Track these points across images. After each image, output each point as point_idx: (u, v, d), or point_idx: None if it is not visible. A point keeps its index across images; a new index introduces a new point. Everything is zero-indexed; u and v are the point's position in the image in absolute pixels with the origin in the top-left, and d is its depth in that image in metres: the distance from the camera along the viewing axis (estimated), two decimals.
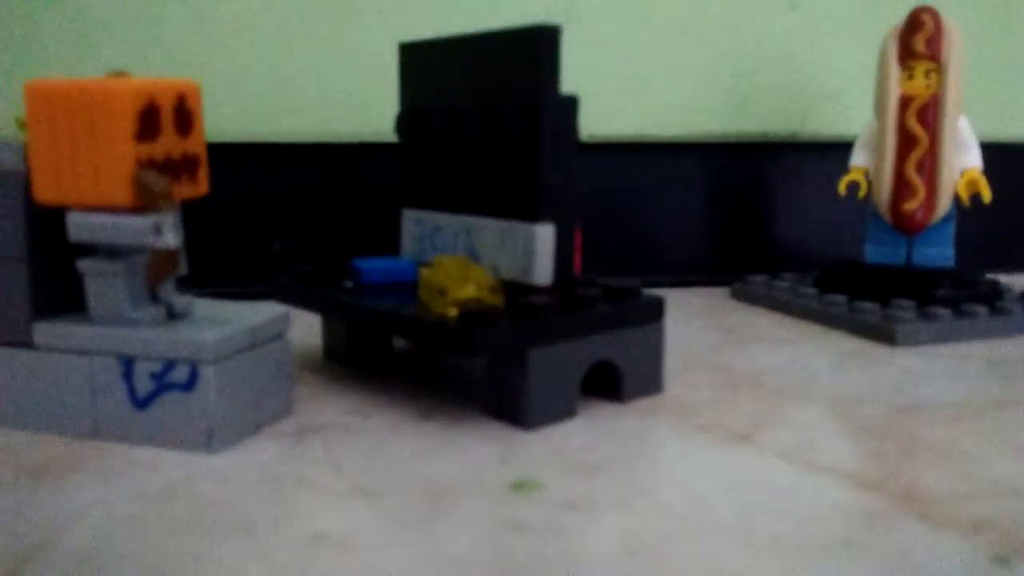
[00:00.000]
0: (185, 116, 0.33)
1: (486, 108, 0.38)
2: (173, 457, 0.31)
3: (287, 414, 0.36)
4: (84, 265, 0.33)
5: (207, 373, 0.32)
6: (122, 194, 0.31)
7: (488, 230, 0.40)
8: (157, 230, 0.31)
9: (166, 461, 0.31)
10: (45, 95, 0.31)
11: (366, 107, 0.60)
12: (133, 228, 0.31)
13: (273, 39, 0.59)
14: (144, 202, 0.31)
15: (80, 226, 0.32)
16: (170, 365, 0.32)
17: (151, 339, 0.32)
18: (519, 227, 0.38)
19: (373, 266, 0.41)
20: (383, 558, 0.25)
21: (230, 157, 0.58)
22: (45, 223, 0.33)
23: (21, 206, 0.33)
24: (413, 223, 0.44)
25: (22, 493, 0.28)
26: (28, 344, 0.33)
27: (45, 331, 0.33)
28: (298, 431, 0.34)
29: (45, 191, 0.32)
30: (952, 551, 0.25)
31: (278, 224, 0.61)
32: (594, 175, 0.63)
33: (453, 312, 0.34)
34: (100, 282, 0.33)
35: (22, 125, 0.33)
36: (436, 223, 0.43)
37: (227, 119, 0.58)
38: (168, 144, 0.32)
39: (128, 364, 0.32)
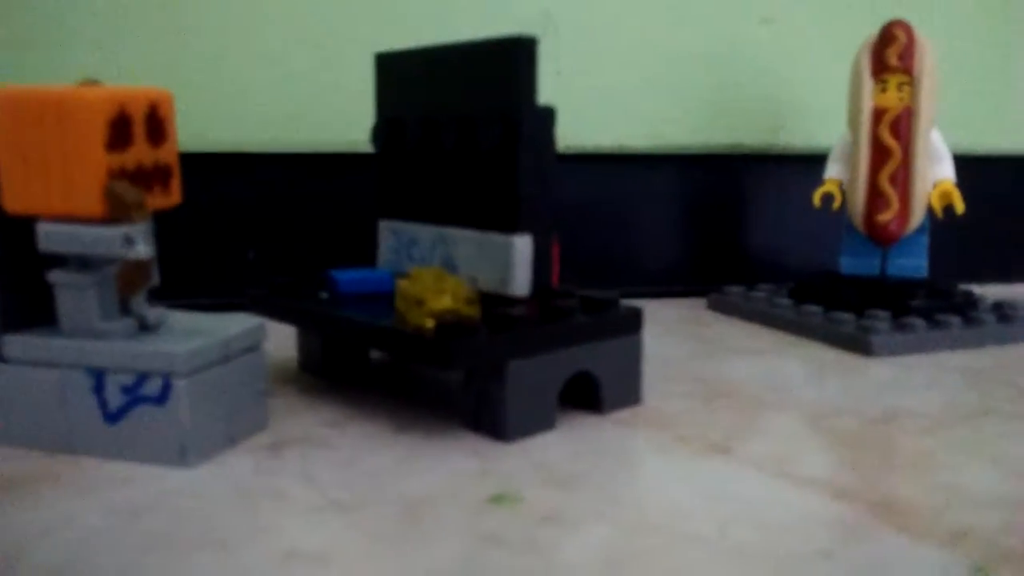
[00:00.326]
0: (157, 125, 0.32)
1: (463, 119, 0.38)
2: (146, 471, 0.31)
3: (262, 427, 0.36)
4: (55, 276, 0.32)
5: (180, 386, 0.31)
6: (93, 204, 0.30)
7: (465, 241, 0.39)
8: (129, 241, 0.30)
9: (139, 475, 0.31)
10: (15, 102, 0.31)
11: (341, 117, 0.59)
12: (104, 239, 0.30)
13: (248, 50, 0.59)
14: (115, 213, 0.30)
15: (50, 236, 0.31)
16: (142, 378, 0.31)
17: (122, 352, 0.31)
18: (497, 238, 0.38)
19: (349, 277, 0.40)
20: (359, 573, 0.24)
21: (204, 167, 0.58)
22: (13, 234, 0.32)
23: None
24: (389, 234, 0.44)
25: None
26: None
27: (15, 344, 0.33)
28: (273, 444, 0.34)
29: (15, 201, 0.31)
30: (931, 562, 0.25)
31: (252, 235, 0.61)
32: (571, 186, 0.63)
33: (430, 323, 0.34)
34: (71, 294, 0.32)
35: None
36: (413, 234, 0.42)
37: (201, 128, 0.58)
38: (140, 153, 0.32)
39: (99, 377, 0.32)
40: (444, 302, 0.35)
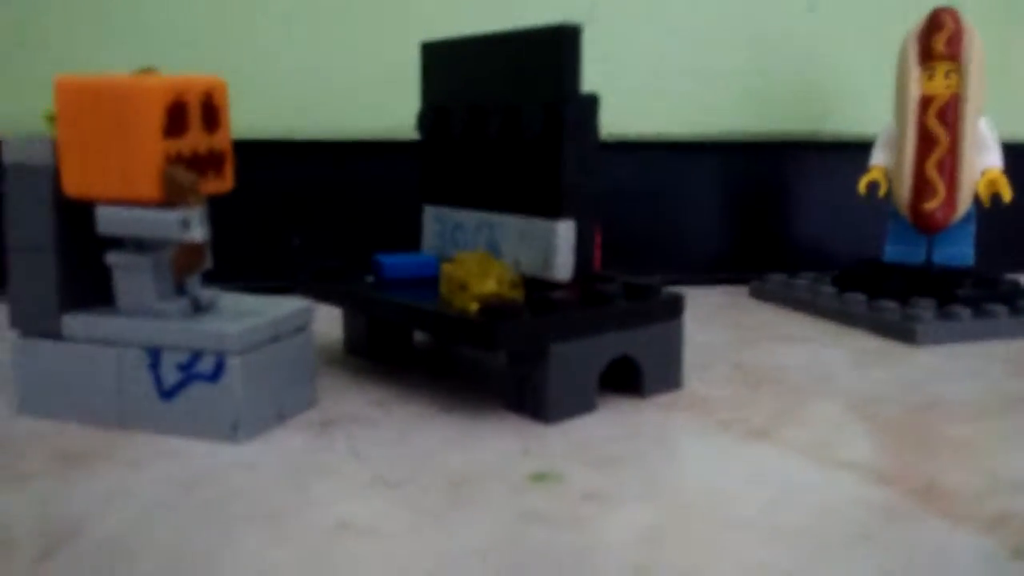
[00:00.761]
0: (212, 113, 0.33)
1: (507, 107, 0.39)
2: (198, 447, 0.32)
3: (310, 405, 0.36)
4: (113, 258, 0.33)
5: (233, 364, 0.32)
6: (150, 189, 0.31)
7: (509, 226, 0.40)
8: (185, 224, 0.31)
9: (192, 450, 0.32)
10: (75, 91, 0.32)
11: (386, 105, 0.60)
12: (161, 222, 0.31)
13: (294, 38, 0.59)
14: (172, 197, 0.31)
15: (109, 220, 0.32)
16: (196, 356, 0.32)
17: (178, 331, 0.33)
18: (540, 224, 0.38)
19: (395, 261, 0.41)
20: (406, 546, 0.25)
21: (250, 153, 0.59)
22: (73, 217, 0.34)
23: (50, 200, 0.33)
24: (434, 219, 0.45)
25: (53, 480, 0.29)
26: (57, 335, 0.34)
27: (73, 322, 0.34)
28: (321, 422, 0.35)
29: (74, 185, 0.32)
30: (971, 546, 0.25)
31: (297, 220, 0.62)
32: (614, 174, 0.64)
33: (474, 307, 0.35)
34: (128, 275, 0.33)
35: (51, 120, 0.34)
36: (457, 219, 0.43)
37: (247, 116, 0.59)
38: (195, 140, 0.33)
39: (155, 355, 0.33)
40: (488, 286, 0.35)
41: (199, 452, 0.32)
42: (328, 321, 0.47)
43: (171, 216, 0.31)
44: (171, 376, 0.33)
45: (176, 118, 0.31)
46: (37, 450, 0.32)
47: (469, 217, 0.42)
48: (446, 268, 0.37)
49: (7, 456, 0.31)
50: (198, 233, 0.32)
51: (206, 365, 0.32)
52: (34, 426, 0.34)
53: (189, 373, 0.32)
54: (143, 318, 0.33)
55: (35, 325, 0.34)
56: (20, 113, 0.57)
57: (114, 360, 0.33)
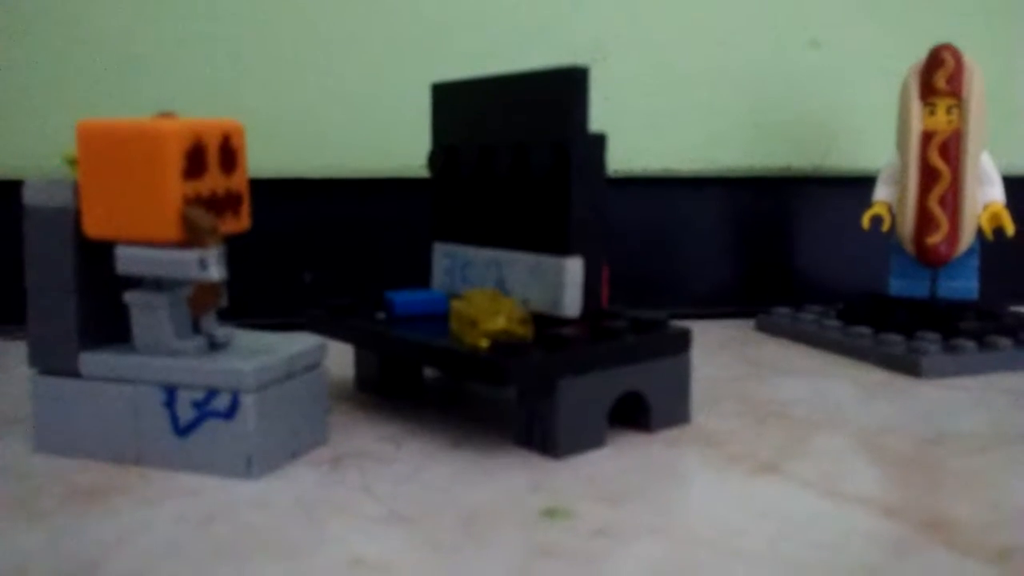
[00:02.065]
0: (230, 154, 0.34)
1: (516, 146, 0.40)
2: (213, 484, 0.32)
3: (323, 442, 0.37)
4: (131, 297, 0.34)
5: (247, 401, 0.33)
6: (170, 230, 0.32)
7: (518, 263, 0.41)
8: (203, 264, 0.32)
9: (206, 487, 0.32)
10: (96, 135, 0.33)
11: (396, 144, 0.61)
12: (180, 262, 0.32)
13: (306, 77, 0.61)
14: (191, 238, 0.32)
15: (128, 259, 0.33)
16: (212, 394, 0.33)
17: (193, 368, 0.33)
18: (549, 260, 0.39)
19: (406, 298, 0.42)
20: None
21: (262, 191, 0.59)
22: (92, 257, 0.34)
23: (71, 241, 0.34)
24: (444, 256, 0.45)
25: (70, 516, 0.29)
26: (75, 373, 0.35)
27: (91, 361, 0.34)
28: (333, 459, 0.35)
29: (95, 226, 0.33)
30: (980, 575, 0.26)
31: (309, 257, 0.62)
32: (620, 210, 0.64)
33: (485, 343, 0.35)
34: (145, 313, 0.34)
35: (71, 162, 0.34)
36: (467, 257, 0.44)
37: (260, 155, 0.60)
38: (213, 181, 0.33)
39: (171, 393, 0.33)
40: (498, 323, 0.36)
41: (214, 489, 0.32)
42: (338, 357, 0.47)
43: (189, 256, 0.32)
44: (187, 413, 0.33)
45: (195, 160, 0.32)
46: (53, 487, 0.32)
47: (478, 254, 0.43)
48: (456, 305, 0.37)
49: (23, 493, 0.32)
50: (215, 272, 0.32)
51: (221, 402, 0.33)
52: (50, 463, 0.34)
53: (204, 410, 0.33)
54: (159, 356, 0.34)
55: (53, 363, 0.35)
56: (40, 156, 0.58)
57: (131, 398, 0.34)
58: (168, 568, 0.26)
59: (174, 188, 0.32)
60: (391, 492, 0.32)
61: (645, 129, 0.65)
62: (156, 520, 0.29)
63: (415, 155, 0.56)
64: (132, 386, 0.34)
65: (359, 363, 0.45)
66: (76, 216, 0.34)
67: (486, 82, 0.42)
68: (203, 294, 0.33)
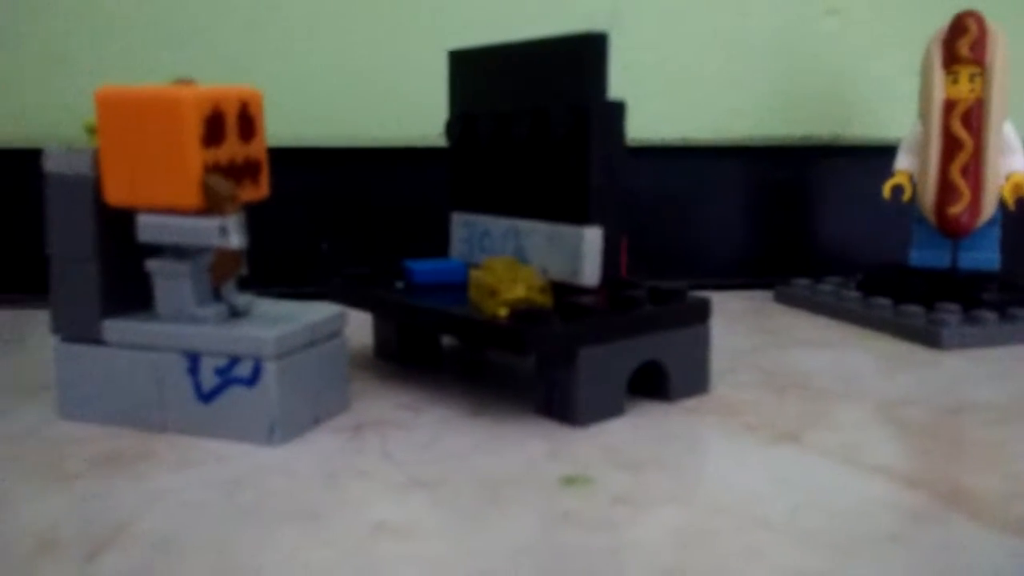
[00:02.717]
0: (248, 122, 0.34)
1: (535, 114, 0.39)
2: (237, 450, 0.33)
3: (344, 409, 0.37)
4: (153, 265, 0.34)
5: (269, 368, 0.33)
6: (190, 197, 0.32)
7: (537, 232, 0.40)
8: (223, 231, 0.32)
9: (231, 454, 0.32)
10: (115, 102, 0.33)
11: (413, 112, 0.61)
12: (201, 229, 0.32)
13: (323, 46, 0.60)
14: (211, 205, 0.32)
15: (150, 227, 0.33)
16: (234, 361, 0.33)
17: (216, 336, 0.33)
18: (567, 230, 0.39)
19: (424, 267, 0.42)
20: (442, 545, 0.25)
21: (278, 161, 0.59)
22: (113, 225, 0.34)
23: (91, 209, 0.34)
24: (462, 226, 0.45)
25: (97, 481, 0.30)
26: (97, 340, 0.35)
27: (114, 328, 0.35)
28: (354, 426, 0.35)
29: (116, 194, 0.33)
30: (999, 547, 0.25)
31: (326, 227, 0.62)
32: (638, 180, 0.64)
33: (504, 312, 0.35)
34: (167, 281, 0.34)
35: (91, 131, 0.35)
36: (485, 226, 0.44)
37: (275, 124, 0.60)
38: (232, 149, 0.33)
39: (194, 360, 0.34)
40: (517, 291, 0.36)
41: (238, 455, 0.32)
42: (357, 326, 0.48)
43: (210, 223, 0.32)
44: (210, 380, 0.33)
45: (214, 128, 0.32)
46: (80, 452, 0.32)
47: (497, 223, 0.43)
48: (475, 274, 0.37)
49: (51, 458, 0.32)
50: (236, 240, 0.33)
51: (244, 369, 0.33)
52: (76, 429, 0.35)
53: (227, 377, 0.33)
54: (181, 323, 0.34)
55: (76, 330, 0.35)
56: (57, 124, 0.58)
57: (154, 365, 0.34)
58: (194, 532, 0.26)
59: (194, 155, 0.32)
60: (412, 459, 0.32)
61: (663, 98, 0.64)
62: (182, 485, 0.30)
63: (432, 124, 0.55)
64: (155, 353, 0.34)
65: (378, 332, 0.45)
66: (96, 184, 0.34)
67: (504, 49, 0.42)
68: (224, 262, 0.34)
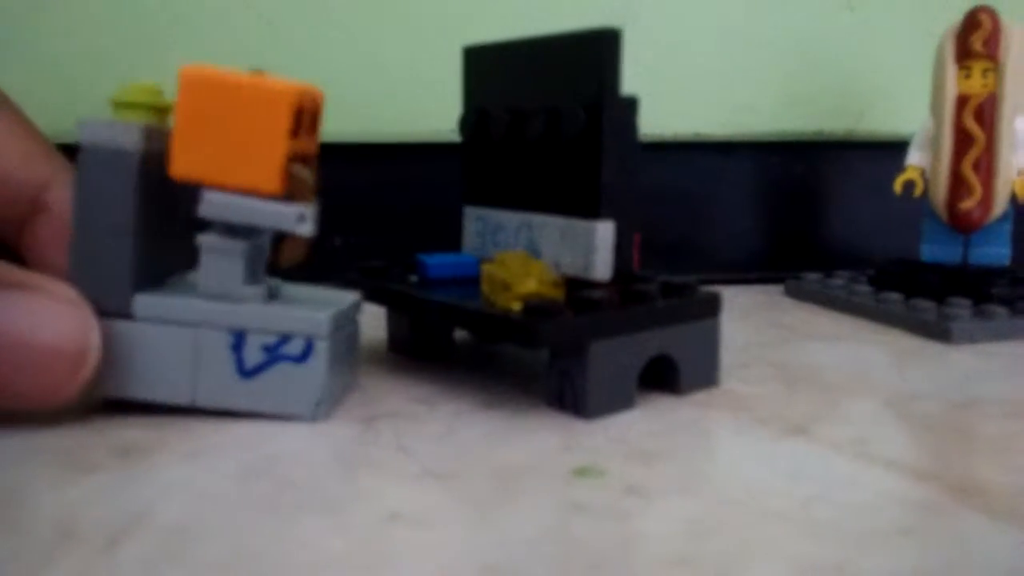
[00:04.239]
0: (313, 119, 0.35)
1: (548, 109, 0.40)
2: (254, 440, 0.33)
3: (356, 388, 0.39)
4: (207, 241, 0.34)
5: (321, 347, 0.34)
6: (273, 183, 0.33)
7: (549, 227, 0.41)
8: (301, 218, 0.33)
9: (247, 444, 0.33)
10: (201, 82, 0.33)
11: (424, 107, 0.61)
12: (278, 214, 0.33)
13: (336, 42, 0.61)
14: (292, 192, 0.33)
15: (216, 204, 0.34)
16: (285, 339, 0.34)
17: (265, 314, 0.34)
18: (580, 224, 0.39)
19: (438, 261, 0.42)
20: (456, 535, 0.26)
21: None
22: (147, 198, 0.34)
23: (135, 183, 0.34)
24: (475, 220, 0.45)
25: (116, 470, 0.30)
26: (126, 315, 0.35)
27: (147, 303, 0.35)
28: (368, 418, 0.36)
29: (185, 168, 0.33)
30: (1012, 541, 0.26)
31: (338, 222, 0.63)
32: (649, 175, 0.64)
33: (517, 306, 0.36)
34: (218, 258, 0.35)
35: (122, 105, 0.35)
36: (498, 220, 0.44)
37: None
38: (302, 142, 0.34)
39: (239, 337, 0.34)
40: (530, 285, 0.36)
41: (254, 446, 0.33)
42: (370, 319, 0.48)
43: (289, 210, 0.33)
44: (255, 357, 0.34)
45: (297, 120, 0.33)
46: (97, 443, 0.33)
47: (509, 218, 0.43)
48: (488, 268, 0.38)
49: (70, 446, 0.32)
50: (310, 228, 0.34)
51: (295, 347, 0.34)
52: (94, 418, 0.35)
53: (276, 354, 0.34)
54: (226, 301, 0.35)
55: (104, 305, 0.35)
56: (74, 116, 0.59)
57: (190, 340, 0.34)
58: (213, 520, 0.27)
59: (282, 145, 0.33)
60: (425, 451, 0.32)
61: (675, 93, 0.64)
62: (199, 475, 0.30)
63: (444, 119, 0.56)
64: (193, 329, 0.34)
65: (391, 325, 0.46)
66: (142, 158, 0.34)
67: (518, 45, 0.42)
68: (293, 247, 0.34)
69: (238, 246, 0.34)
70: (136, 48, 0.59)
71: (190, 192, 0.35)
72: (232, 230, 0.34)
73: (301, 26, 0.60)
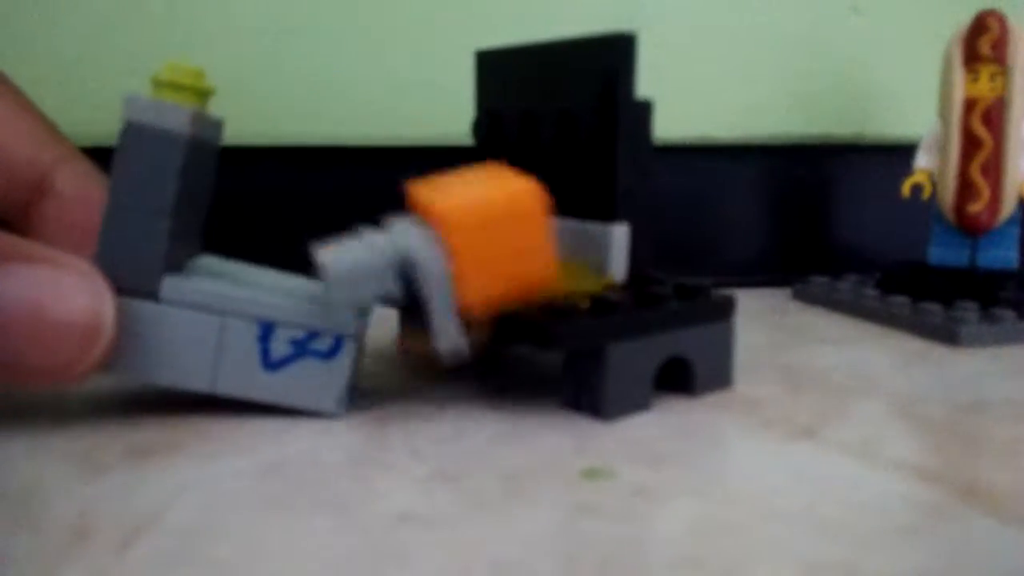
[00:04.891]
0: None
1: (562, 113, 0.40)
2: (261, 441, 0.33)
3: (360, 381, 0.40)
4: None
5: (349, 344, 0.35)
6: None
7: (563, 230, 0.41)
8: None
9: (259, 444, 0.33)
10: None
11: (435, 111, 0.61)
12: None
13: (346, 45, 0.61)
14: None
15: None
16: (313, 334, 0.35)
17: (296, 309, 0.35)
18: (595, 227, 0.39)
19: None
20: (467, 535, 0.26)
21: (302, 159, 0.60)
22: (186, 184, 0.34)
23: (179, 166, 0.34)
24: None
25: (129, 471, 0.31)
26: (153, 296, 0.34)
27: (175, 286, 0.34)
28: (378, 419, 0.36)
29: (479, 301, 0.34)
30: (1018, 543, 0.26)
31: (348, 224, 0.63)
32: (658, 177, 0.64)
33: (585, 303, 0.36)
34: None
35: (164, 85, 0.34)
36: None
37: (300, 122, 0.60)
38: None
39: (267, 328, 0.35)
40: (589, 283, 0.37)
41: (265, 446, 0.33)
42: (381, 320, 0.48)
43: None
44: (282, 350, 0.35)
45: None
46: (112, 442, 0.33)
47: None
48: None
49: (83, 447, 0.33)
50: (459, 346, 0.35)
51: (323, 343, 0.35)
52: (107, 419, 0.35)
53: (304, 349, 0.35)
54: (257, 292, 0.35)
55: (133, 284, 0.34)
56: (85, 123, 0.59)
57: (216, 327, 0.35)
58: (226, 520, 0.27)
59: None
60: (435, 452, 0.32)
61: (683, 97, 0.65)
62: (212, 475, 0.30)
63: (455, 123, 0.56)
64: (220, 317, 0.34)
65: (403, 326, 0.46)
66: (187, 143, 0.34)
67: (532, 49, 0.42)
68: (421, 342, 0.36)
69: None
70: (144, 51, 0.59)
71: (210, 179, 0.35)
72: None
73: (313, 30, 0.60)
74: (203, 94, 0.35)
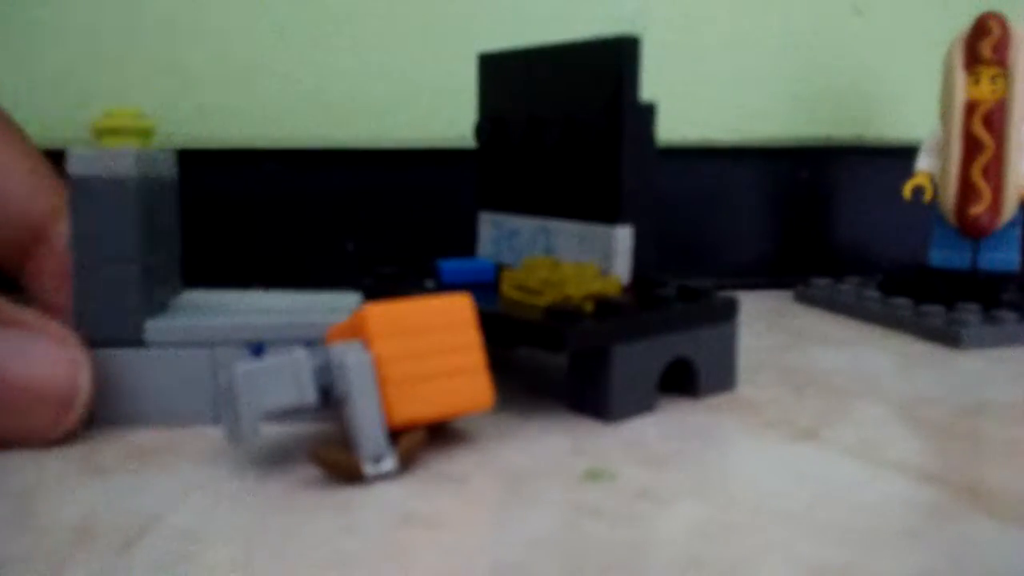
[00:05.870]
0: None
1: (566, 116, 0.40)
2: (262, 442, 0.33)
3: None
4: None
5: None
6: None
7: (567, 232, 0.41)
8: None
9: (255, 445, 0.33)
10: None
11: (439, 113, 0.62)
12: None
13: (350, 47, 0.61)
14: None
15: None
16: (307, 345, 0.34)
17: (283, 325, 0.35)
18: (599, 229, 0.40)
19: (455, 266, 0.42)
20: (469, 536, 0.26)
21: (306, 161, 0.60)
22: (146, 224, 0.34)
23: (135, 211, 0.34)
24: (490, 225, 0.46)
25: (130, 473, 0.31)
26: (138, 343, 0.34)
27: (158, 328, 0.34)
28: None
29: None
30: (1017, 544, 0.26)
31: (351, 227, 0.63)
32: (660, 180, 0.65)
33: (589, 306, 0.36)
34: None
35: (104, 132, 0.34)
36: (514, 225, 0.44)
37: (304, 125, 0.61)
38: None
39: (257, 349, 0.35)
40: (595, 286, 0.37)
41: (265, 447, 0.33)
42: None
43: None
44: None
45: None
46: (111, 446, 0.33)
47: (526, 223, 0.44)
48: (518, 275, 0.38)
49: (83, 451, 0.33)
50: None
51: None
52: (108, 426, 0.35)
53: None
54: (242, 316, 0.35)
55: (114, 335, 0.34)
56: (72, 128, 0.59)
57: (207, 360, 0.35)
58: (228, 522, 0.27)
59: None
60: (439, 453, 0.33)
61: (685, 99, 0.65)
62: (213, 477, 0.30)
63: (458, 125, 0.56)
64: (208, 349, 0.35)
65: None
66: (138, 185, 0.33)
67: (535, 52, 0.43)
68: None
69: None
70: (144, 55, 0.59)
71: (174, 212, 0.35)
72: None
73: (314, 33, 0.61)
74: (144, 134, 0.35)
